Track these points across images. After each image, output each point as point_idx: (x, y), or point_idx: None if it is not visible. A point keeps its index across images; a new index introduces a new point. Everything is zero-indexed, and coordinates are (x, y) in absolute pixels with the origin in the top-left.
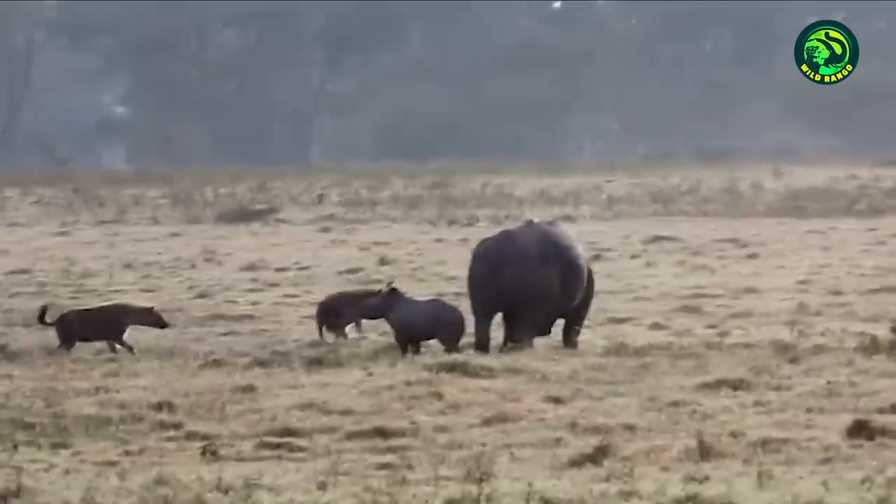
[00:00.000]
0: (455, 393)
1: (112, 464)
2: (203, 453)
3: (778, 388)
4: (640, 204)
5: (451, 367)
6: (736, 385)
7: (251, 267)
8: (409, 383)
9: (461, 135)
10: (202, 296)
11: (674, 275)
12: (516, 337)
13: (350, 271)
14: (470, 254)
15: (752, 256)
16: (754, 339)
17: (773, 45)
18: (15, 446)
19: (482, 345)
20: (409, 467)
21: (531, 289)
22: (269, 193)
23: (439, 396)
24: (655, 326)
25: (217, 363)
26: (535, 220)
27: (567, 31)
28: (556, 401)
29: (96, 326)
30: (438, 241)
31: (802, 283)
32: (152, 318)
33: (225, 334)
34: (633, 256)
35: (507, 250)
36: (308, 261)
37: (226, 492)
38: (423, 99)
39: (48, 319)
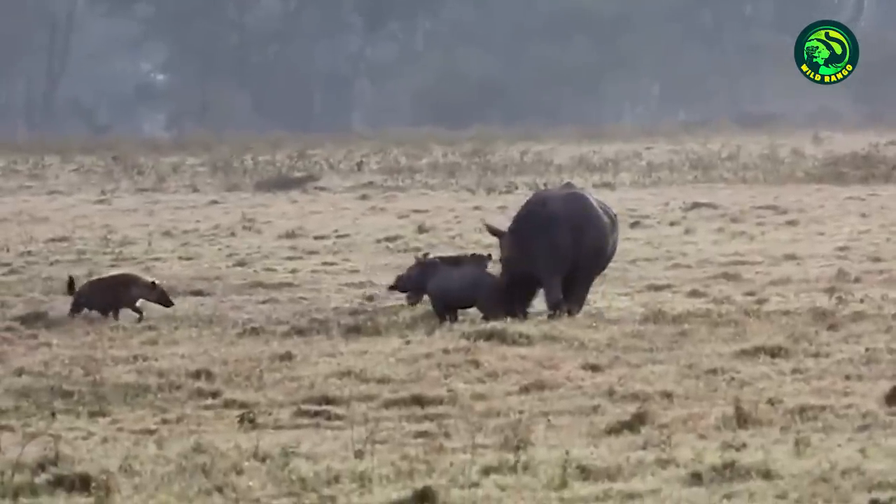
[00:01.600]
0: (493, 361)
1: (150, 432)
2: (241, 421)
3: (816, 356)
4: (679, 171)
5: (489, 335)
6: (774, 352)
7: (290, 235)
8: (446, 351)
9: (501, 100)
10: (241, 264)
11: (712, 242)
12: (571, 303)
13: (389, 239)
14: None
15: (791, 223)
16: (792, 306)
17: (814, 10)
18: (53, 414)
19: (559, 306)
20: (447, 435)
21: (605, 253)
22: (308, 161)
23: (477, 364)
24: (694, 294)
25: (255, 331)
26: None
27: None
28: (594, 368)
29: (105, 295)
30: (477, 208)
31: (842, 249)
32: (156, 295)
33: (263, 302)
34: (673, 223)
35: (586, 215)
36: (347, 229)
37: (263, 460)
38: (464, 64)
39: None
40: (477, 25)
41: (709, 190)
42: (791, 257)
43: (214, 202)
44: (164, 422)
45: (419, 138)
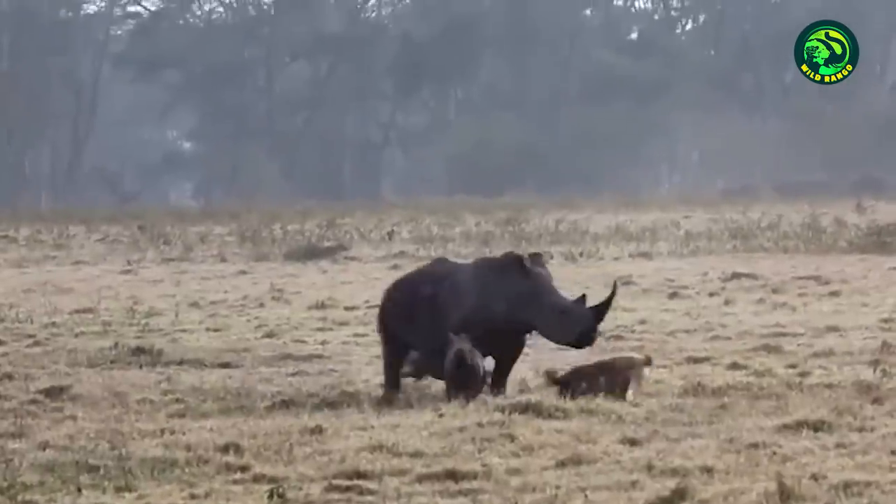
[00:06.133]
0: (528, 434)
1: None
2: (271, 496)
3: (861, 430)
4: (718, 240)
5: (525, 409)
6: (817, 426)
7: (320, 305)
8: (480, 424)
9: (536, 167)
10: (270, 335)
11: (753, 313)
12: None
13: None
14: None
15: (834, 294)
16: (836, 378)
17: (855, 78)
18: (79, 489)
19: None
20: None
21: None
22: (338, 230)
23: (512, 438)
24: (734, 366)
25: (285, 404)
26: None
27: (644, 61)
28: (632, 443)
29: None
30: None
31: (886, 321)
32: None
33: (293, 374)
34: (712, 294)
35: None
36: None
37: None
38: (497, 131)
39: None
40: (511, 91)
41: (748, 259)
42: (834, 329)
43: (243, 272)
44: (192, 497)
45: (452, 207)
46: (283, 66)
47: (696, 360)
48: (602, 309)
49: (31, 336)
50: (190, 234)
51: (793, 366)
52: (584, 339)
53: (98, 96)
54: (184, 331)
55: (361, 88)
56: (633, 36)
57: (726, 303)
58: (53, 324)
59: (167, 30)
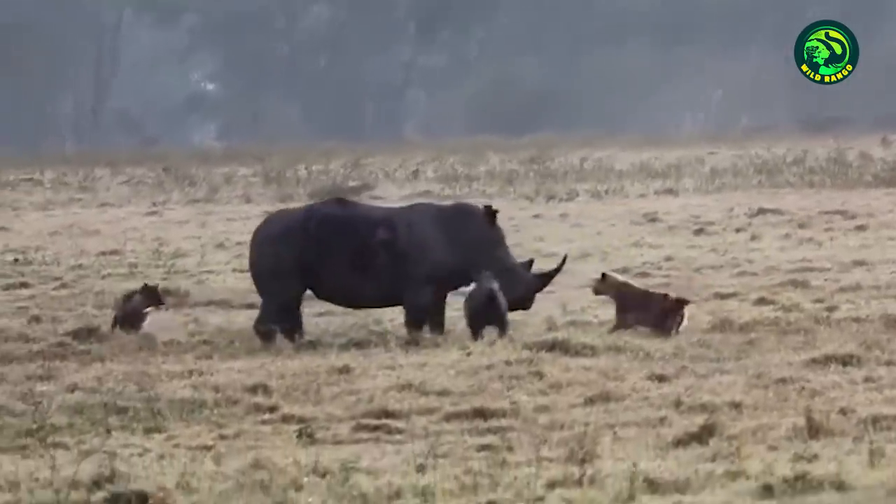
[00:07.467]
0: (556, 372)
1: (207, 448)
2: (299, 436)
3: (889, 364)
4: (743, 176)
5: (552, 346)
6: (845, 361)
7: None
8: (508, 363)
9: (558, 107)
10: None
11: (779, 248)
12: None
13: None
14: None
15: (860, 228)
16: (863, 313)
17: (880, 11)
18: (108, 431)
19: None
20: (510, 449)
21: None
22: (362, 170)
23: (540, 376)
24: (762, 301)
25: (312, 344)
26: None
27: (666, 0)
28: (661, 379)
29: None
30: (536, 216)
31: None
32: None
33: (320, 315)
34: (738, 230)
35: None
36: None
37: (323, 475)
38: (519, 71)
39: None
40: (531, 32)
41: (774, 195)
42: (861, 263)
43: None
44: (222, 437)
45: (474, 146)
46: (305, 8)
47: (724, 296)
48: (546, 278)
49: (57, 279)
50: (215, 175)
51: (820, 300)
52: (519, 302)
53: (119, 41)
54: (210, 272)
55: (382, 29)
56: None
57: (752, 238)
58: (80, 266)
59: None
